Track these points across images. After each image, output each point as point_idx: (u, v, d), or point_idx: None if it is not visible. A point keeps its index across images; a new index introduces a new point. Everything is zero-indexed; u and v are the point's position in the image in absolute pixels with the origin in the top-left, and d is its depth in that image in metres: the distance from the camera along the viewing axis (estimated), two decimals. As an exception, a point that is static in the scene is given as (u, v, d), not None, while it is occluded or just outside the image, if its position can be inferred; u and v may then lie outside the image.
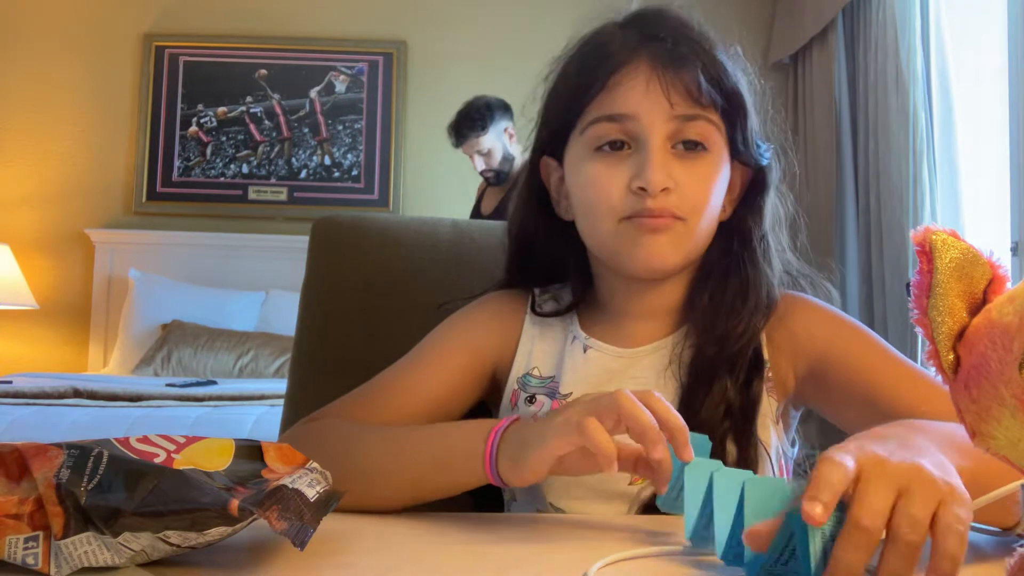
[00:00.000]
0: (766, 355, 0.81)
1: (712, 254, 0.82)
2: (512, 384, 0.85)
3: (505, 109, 2.95)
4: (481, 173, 2.99)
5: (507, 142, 2.94)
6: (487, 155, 2.91)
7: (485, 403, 0.89)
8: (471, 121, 2.87)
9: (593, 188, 0.78)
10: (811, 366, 0.81)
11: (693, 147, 0.78)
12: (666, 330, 0.84)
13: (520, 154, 2.96)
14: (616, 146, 0.78)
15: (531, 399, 0.84)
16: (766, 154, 0.83)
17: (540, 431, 0.61)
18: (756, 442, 0.78)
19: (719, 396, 0.77)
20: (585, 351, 0.84)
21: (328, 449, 0.73)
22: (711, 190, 0.78)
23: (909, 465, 0.46)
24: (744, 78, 0.81)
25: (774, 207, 0.85)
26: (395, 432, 0.75)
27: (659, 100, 0.76)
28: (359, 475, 0.69)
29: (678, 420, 0.60)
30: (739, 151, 0.80)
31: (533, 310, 0.87)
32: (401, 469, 0.70)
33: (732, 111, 0.79)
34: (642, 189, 0.75)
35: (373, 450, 0.73)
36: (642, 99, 0.76)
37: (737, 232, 0.83)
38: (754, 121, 0.82)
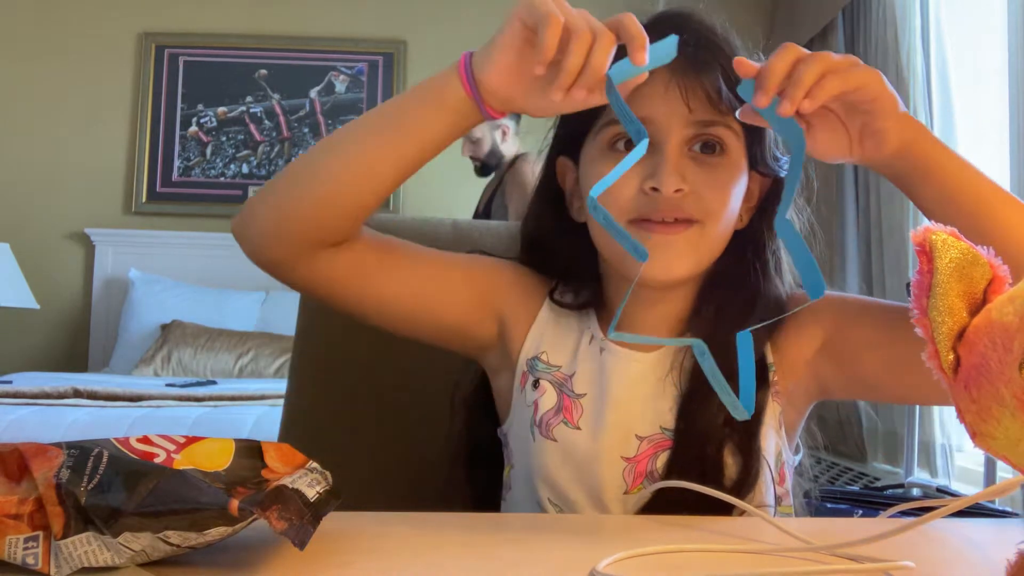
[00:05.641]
0: (771, 360, 0.80)
1: (724, 263, 0.81)
2: (522, 365, 0.84)
3: None
4: (469, 157, 3.03)
5: (498, 138, 2.98)
6: (475, 143, 2.98)
7: (487, 381, 0.89)
8: None
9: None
10: (823, 346, 0.80)
11: (711, 150, 0.77)
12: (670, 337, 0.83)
13: (512, 153, 2.99)
14: (631, 146, 0.76)
15: (536, 383, 0.83)
16: (786, 166, 0.81)
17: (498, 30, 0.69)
18: (760, 455, 0.77)
19: (718, 405, 0.75)
20: (601, 352, 0.83)
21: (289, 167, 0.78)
22: (728, 194, 0.77)
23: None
24: None
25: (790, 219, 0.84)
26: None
27: (678, 104, 0.75)
28: (333, 156, 0.74)
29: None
30: (757, 161, 0.79)
31: (552, 298, 0.86)
32: (378, 121, 0.74)
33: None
34: (654, 190, 0.74)
35: (342, 130, 0.76)
36: (660, 103, 0.75)
37: (751, 242, 0.82)
38: None
